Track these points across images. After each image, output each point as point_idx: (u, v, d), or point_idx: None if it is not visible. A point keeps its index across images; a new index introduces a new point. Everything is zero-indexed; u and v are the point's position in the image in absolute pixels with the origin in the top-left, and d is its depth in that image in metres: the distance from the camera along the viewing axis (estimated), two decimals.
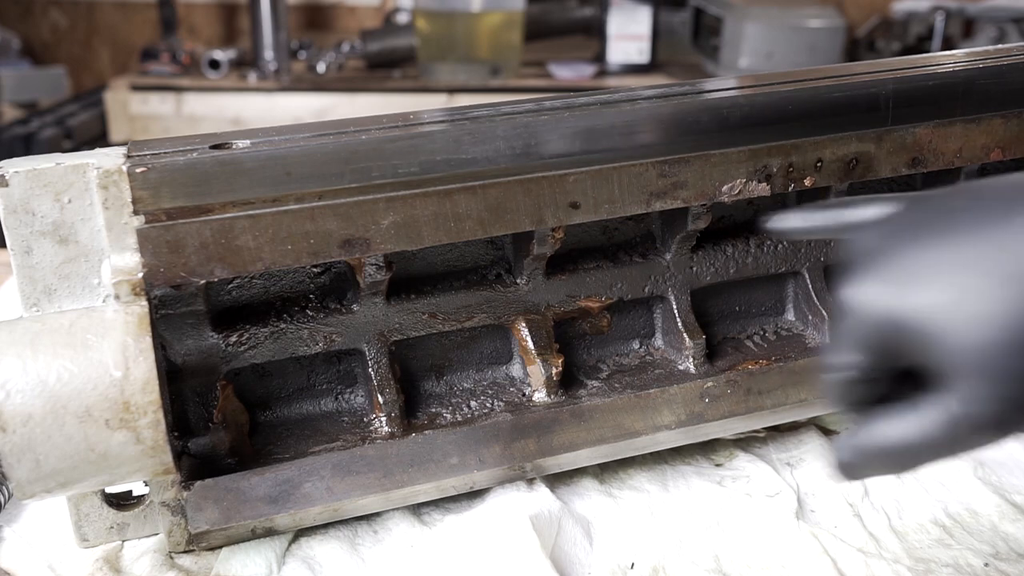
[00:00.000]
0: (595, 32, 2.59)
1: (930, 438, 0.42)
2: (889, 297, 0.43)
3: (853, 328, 0.45)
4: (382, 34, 2.53)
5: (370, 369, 0.65)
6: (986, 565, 0.63)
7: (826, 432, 0.77)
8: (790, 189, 0.67)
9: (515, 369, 0.71)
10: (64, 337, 0.52)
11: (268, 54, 2.37)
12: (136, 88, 2.30)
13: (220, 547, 0.63)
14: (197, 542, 0.61)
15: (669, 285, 0.72)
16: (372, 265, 0.62)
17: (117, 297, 0.54)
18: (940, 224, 0.43)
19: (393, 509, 0.67)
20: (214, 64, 2.36)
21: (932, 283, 0.41)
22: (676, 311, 0.72)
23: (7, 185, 0.55)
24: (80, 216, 0.56)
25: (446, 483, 0.65)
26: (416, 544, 0.64)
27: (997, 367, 0.39)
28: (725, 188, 0.65)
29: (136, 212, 0.55)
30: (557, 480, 0.70)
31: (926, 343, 0.41)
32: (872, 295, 0.43)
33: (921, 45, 2.54)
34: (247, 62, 2.46)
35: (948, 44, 2.50)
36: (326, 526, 0.65)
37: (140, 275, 0.54)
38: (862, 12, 2.91)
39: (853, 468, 0.46)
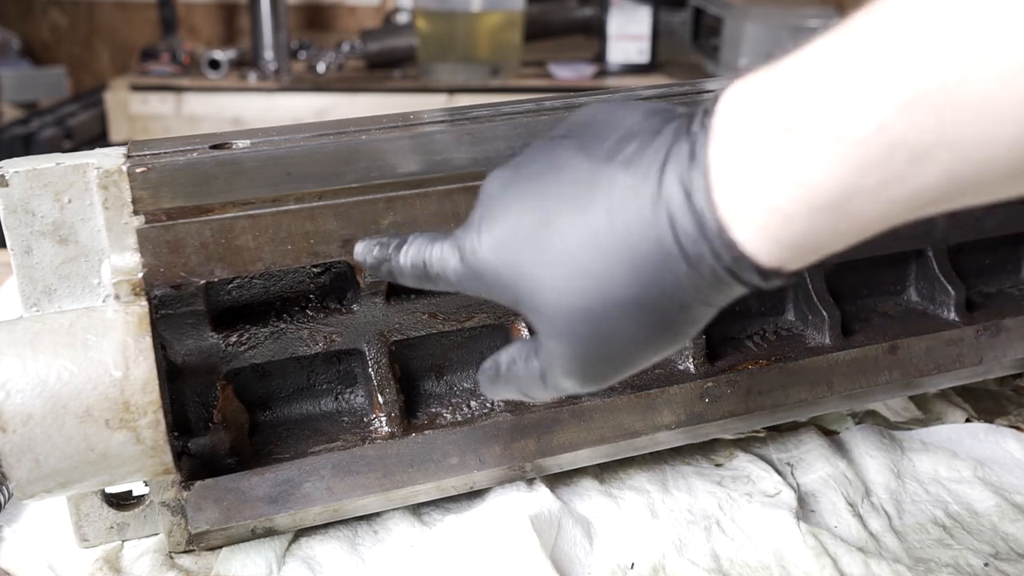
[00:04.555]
0: (595, 32, 2.59)
1: (526, 376, 0.50)
2: (498, 259, 0.46)
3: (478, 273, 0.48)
4: (382, 34, 2.53)
5: (370, 369, 0.65)
6: (986, 565, 0.63)
7: (826, 432, 0.77)
8: None
9: None
10: (64, 337, 0.52)
11: (268, 54, 2.37)
12: (136, 88, 2.30)
13: (220, 547, 0.63)
14: (197, 542, 0.61)
15: None
16: None
17: (117, 297, 0.54)
18: (542, 184, 0.45)
19: (393, 509, 0.67)
20: (214, 64, 2.36)
21: (532, 254, 0.45)
22: None
23: (7, 185, 0.55)
24: (80, 216, 0.56)
25: (446, 483, 0.65)
26: (416, 544, 0.64)
27: (572, 331, 0.44)
28: None
29: (136, 212, 0.55)
30: (557, 480, 0.70)
31: (525, 304, 0.46)
32: (487, 250, 0.47)
33: None
34: (247, 62, 2.46)
35: None
36: (326, 526, 0.65)
37: (140, 275, 0.54)
38: None
39: (483, 386, 0.55)
